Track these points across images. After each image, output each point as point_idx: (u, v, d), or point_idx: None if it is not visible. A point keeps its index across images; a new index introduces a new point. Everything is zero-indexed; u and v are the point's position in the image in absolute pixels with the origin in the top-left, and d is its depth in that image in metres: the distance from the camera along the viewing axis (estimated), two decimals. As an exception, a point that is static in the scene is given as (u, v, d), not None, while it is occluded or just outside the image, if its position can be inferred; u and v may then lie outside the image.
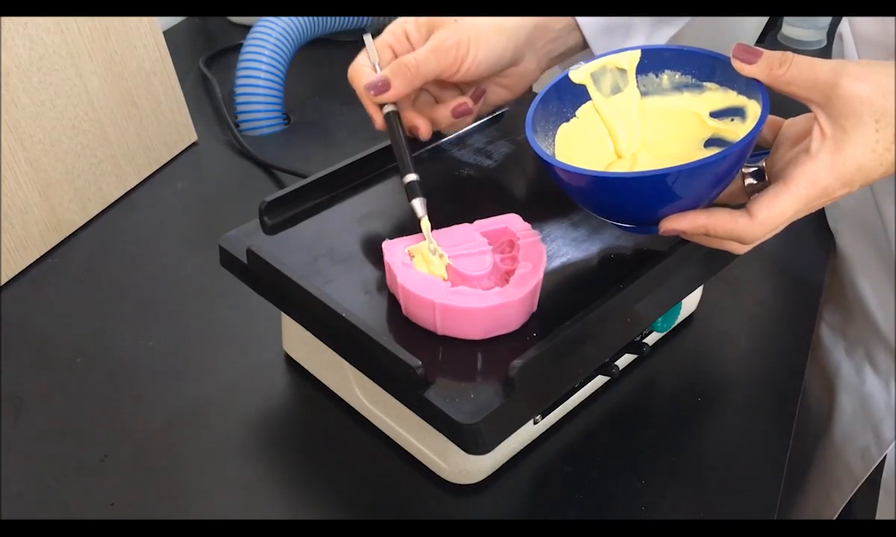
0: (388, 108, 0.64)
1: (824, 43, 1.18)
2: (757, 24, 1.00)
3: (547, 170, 0.55)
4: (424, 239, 0.58)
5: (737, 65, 0.54)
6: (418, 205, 0.60)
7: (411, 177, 0.61)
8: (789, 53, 0.52)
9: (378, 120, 0.65)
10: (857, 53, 0.74)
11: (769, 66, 0.52)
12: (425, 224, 0.59)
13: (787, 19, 1.19)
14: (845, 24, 0.78)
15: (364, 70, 0.65)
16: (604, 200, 0.56)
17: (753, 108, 0.56)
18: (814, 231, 0.86)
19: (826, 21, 1.18)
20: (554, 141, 0.60)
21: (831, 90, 0.50)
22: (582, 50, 0.69)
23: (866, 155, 0.50)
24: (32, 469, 0.60)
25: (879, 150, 0.50)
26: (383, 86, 0.63)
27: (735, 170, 0.54)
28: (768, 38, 1.18)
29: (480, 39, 0.63)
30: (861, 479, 0.88)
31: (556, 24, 0.67)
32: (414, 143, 0.72)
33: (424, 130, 0.66)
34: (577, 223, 0.64)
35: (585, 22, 0.67)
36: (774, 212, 0.52)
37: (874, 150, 0.50)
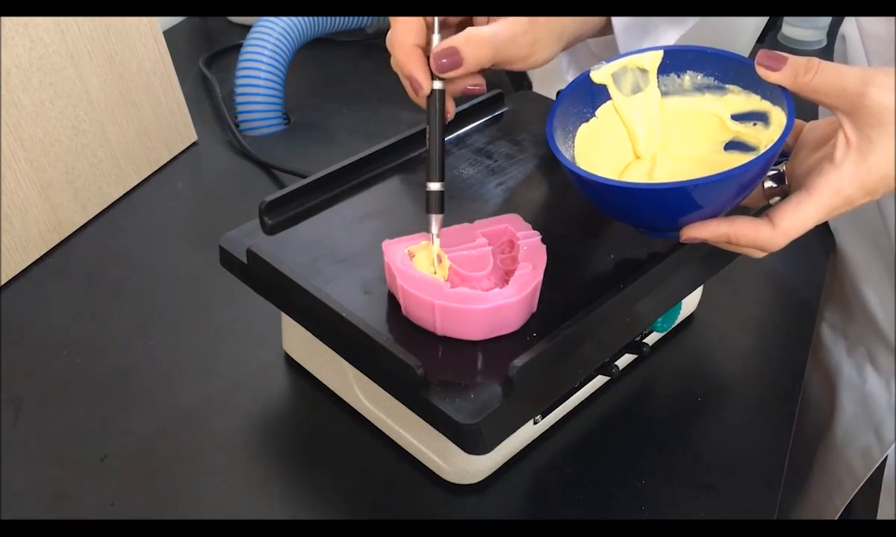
0: (438, 85, 0.56)
1: (824, 43, 1.18)
2: (757, 24, 1.00)
3: (568, 175, 0.55)
4: (426, 240, 0.58)
5: (761, 71, 0.53)
6: (435, 222, 0.56)
7: (436, 186, 0.56)
8: (815, 60, 0.51)
9: (425, 89, 0.56)
10: (865, 50, 0.73)
11: (795, 74, 0.51)
12: (436, 245, 0.57)
13: (787, 19, 1.19)
14: (848, 24, 0.77)
15: (412, 31, 0.55)
16: (625, 208, 0.56)
17: (777, 115, 0.55)
18: (814, 231, 0.86)
19: (826, 21, 1.18)
20: (573, 142, 0.59)
21: (858, 99, 0.49)
22: (592, 36, 0.66)
23: (891, 165, 0.50)
24: (32, 469, 0.60)
25: None
26: (454, 58, 0.54)
27: (758, 180, 0.53)
28: (768, 38, 1.18)
29: (544, 42, 0.58)
30: (862, 479, 0.88)
31: (591, 31, 0.63)
32: (411, 143, 0.72)
33: (451, 112, 0.59)
34: (578, 223, 0.64)
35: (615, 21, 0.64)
36: (797, 221, 0.52)
37: None
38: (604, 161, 0.60)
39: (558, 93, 0.60)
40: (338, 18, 1.05)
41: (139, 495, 0.59)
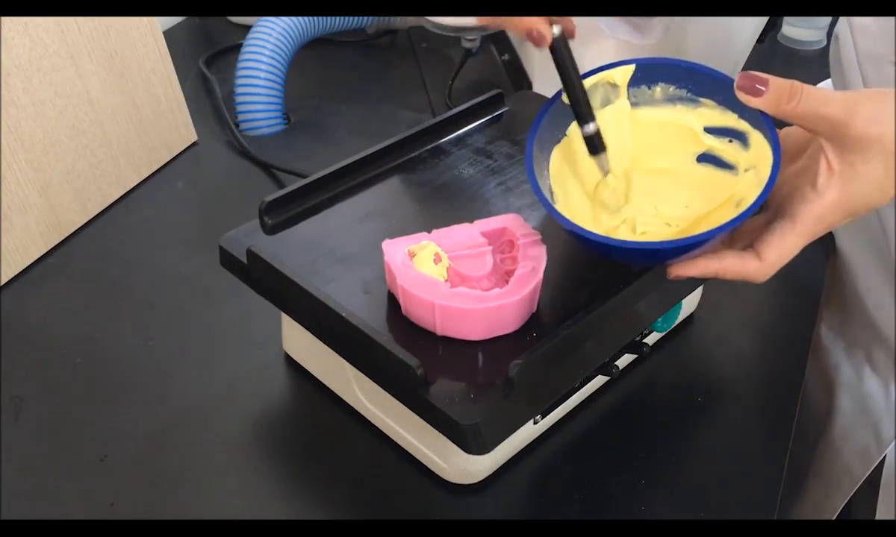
0: (556, 30, 0.55)
1: (824, 43, 1.18)
2: (757, 24, 1.00)
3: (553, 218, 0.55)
4: (426, 240, 0.58)
5: (741, 96, 0.52)
6: (604, 162, 0.56)
7: (591, 127, 0.56)
8: (798, 84, 0.50)
9: (547, 38, 0.55)
10: (855, 47, 0.73)
11: (777, 101, 0.50)
12: (611, 179, 0.56)
13: (787, 19, 1.19)
14: (842, 23, 0.78)
15: None
16: (607, 256, 0.56)
17: (757, 139, 0.54)
18: (814, 231, 0.86)
19: (826, 21, 1.18)
20: (548, 168, 0.58)
21: (843, 129, 0.49)
22: None
23: (874, 192, 0.50)
24: (32, 469, 0.60)
25: (887, 187, 0.50)
26: None
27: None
28: (768, 38, 1.18)
29: None
30: (861, 479, 0.88)
31: None
32: (410, 143, 0.72)
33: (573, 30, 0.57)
34: (577, 223, 0.64)
35: None
36: (784, 252, 0.52)
37: (882, 187, 0.50)
38: (577, 180, 0.59)
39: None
40: (338, 18, 1.05)
41: (139, 495, 0.59)
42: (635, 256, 0.55)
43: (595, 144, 0.57)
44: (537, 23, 0.54)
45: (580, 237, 0.53)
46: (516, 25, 0.55)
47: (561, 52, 0.55)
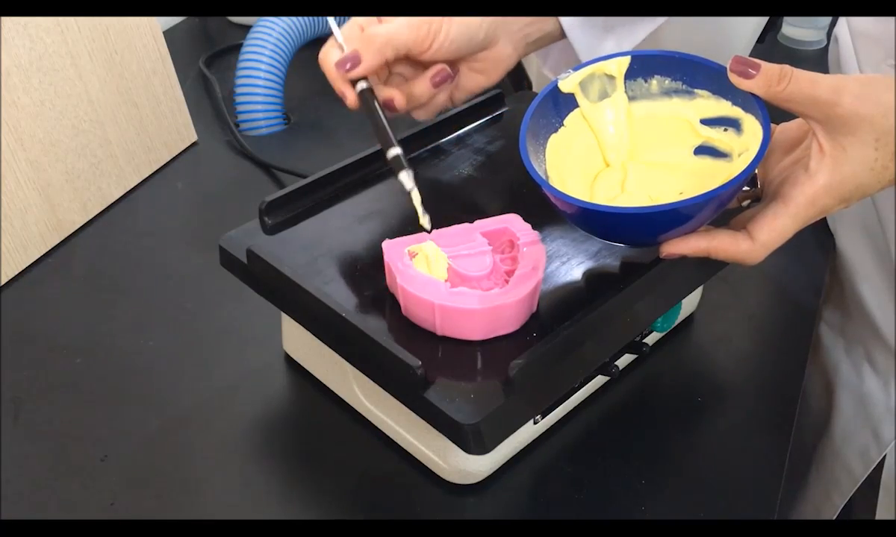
0: (361, 86, 0.60)
1: (824, 43, 1.18)
2: (757, 24, 1.00)
3: (546, 195, 0.55)
4: (427, 240, 0.58)
5: (733, 78, 0.53)
6: (406, 177, 0.57)
7: (395, 151, 0.58)
8: (787, 67, 0.51)
9: (350, 98, 0.61)
10: (856, 51, 0.73)
11: (768, 82, 0.51)
12: (416, 196, 0.57)
13: (787, 19, 1.19)
14: (841, 26, 0.78)
15: (332, 51, 0.61)
16: (604, 228, 0.56)
17: (750, 123, 0.55)
18: (814, 231, 0.86)
19: (826, 21, 1.18)
20: (545, 156, 0.59)
21: (831, 109, 0.49)
22: (561, 37, 0.67)
23: (865, 173, 0.50)
24: (32, 469, 0.60)
25: (878, 169, 0.50)
26: (353, 59, 0.59)
27: (734, 196, 0.54)
28: (768, 38, 1.18)
29: (451, 34, 0.60)
30: (860, 479, 0.88)
31: (552, 32, 0.65)
32: (410, 143, 0.72)
33: (399, 100, 0.62)
34: (577, 223, 0.64)
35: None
36: (775, 234, 0.52)
37: (873, 169, 0.50)
38: (574, 171, 0.59)
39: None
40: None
41: (139, 495, 0.59)
42: (625, 226, 0.54)
43: (398, 163, 0.58)
44: (341, 86, 0.61)
45: (572, 205, 0.53)
46: (334, 86, 0.62)
47: (366, 104, 0.60)
